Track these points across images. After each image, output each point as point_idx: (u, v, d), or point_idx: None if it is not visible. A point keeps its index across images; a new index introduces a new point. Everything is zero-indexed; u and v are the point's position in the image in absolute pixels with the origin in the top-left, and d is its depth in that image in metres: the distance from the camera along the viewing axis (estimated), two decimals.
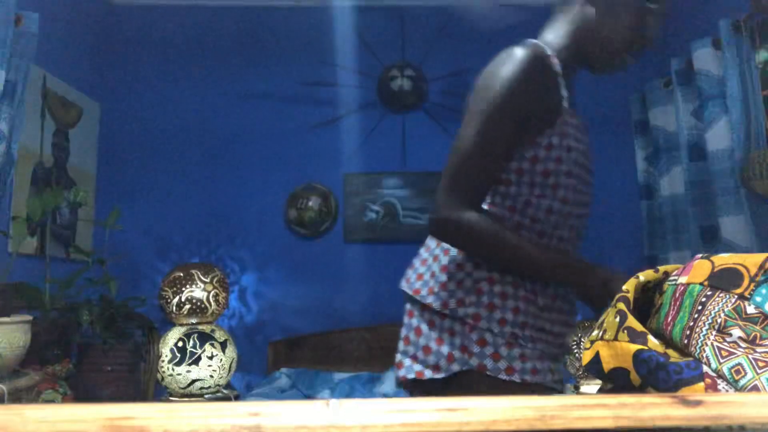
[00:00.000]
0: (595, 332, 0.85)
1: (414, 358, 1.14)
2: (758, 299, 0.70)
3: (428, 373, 1.10)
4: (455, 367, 1.08)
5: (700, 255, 0.82)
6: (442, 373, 1.09)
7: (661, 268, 0.88)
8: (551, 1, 1.28)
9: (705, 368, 0.70)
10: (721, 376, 0.69)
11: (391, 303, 3.48)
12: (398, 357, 1.19)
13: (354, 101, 3.59)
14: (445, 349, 1.10)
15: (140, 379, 2.51)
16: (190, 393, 2.59)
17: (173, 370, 2.56)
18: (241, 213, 3.52)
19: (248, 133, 3.58)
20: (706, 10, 3.04)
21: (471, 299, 1.11)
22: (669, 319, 0.78)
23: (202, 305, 2.63)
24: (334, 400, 0.46)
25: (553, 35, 1.24)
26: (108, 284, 2.53)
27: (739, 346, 0.69)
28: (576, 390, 2.49)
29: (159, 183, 3.51)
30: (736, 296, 0.72)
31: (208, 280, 2.67)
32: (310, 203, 3.49)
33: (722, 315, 0.72)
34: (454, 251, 1.18)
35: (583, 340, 2.63)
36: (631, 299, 0.82)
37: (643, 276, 0.87)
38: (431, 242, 1.27)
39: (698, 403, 0.47)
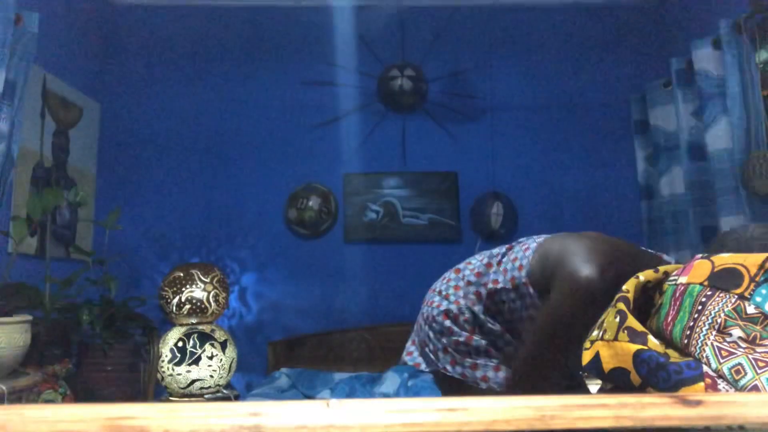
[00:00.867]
0: (595, 332, 0.85)
1: (420, 352, 1.48)
2: (758, 299, 0.70)
3: (423, 366, 1.44)
4: (432, 366, 1.41)
5: (700, 255, 0.82)
6: (428, 368, 1.43)
7: (661, 268, 0.88)
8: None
9: (705, 368, 0.70)
10: (721, 376, 0.69)
11: (391, 303, 3.50)
12: (411, 348, 1.50)
13: (354, 101, 3.59)
14: (426, 351, 1.43)
15: (140, 379, 2.51)
16: (190, 393, 2.59)
17: (173, 370, 2.56)
18: (241, 213, 3.52)
19: (248, 133, 3.58)
20: (706, 10, 3.04)
21: (439, 319, 1.39)
22: (669, 319, 0.78)
23: (202, 305, 2.63)
24: (334, 400, 0.46)
25: None
26: (108, 284, 2.53)
27: (739, 346, 0.69)
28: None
29: (159, 183, 3.51)
30: (736, 296, 0.72)
31: (208, 280, 2.67)
32: (310, 203, 3.49)
33: (722, 315, 0.71)
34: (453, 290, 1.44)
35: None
36: (631, 299, 0.82)
37: (643, 276, 0.87)
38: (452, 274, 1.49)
39: (698, 403, 0.47)
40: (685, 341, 0.74)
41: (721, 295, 0.73)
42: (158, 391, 2.68)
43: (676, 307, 0.77)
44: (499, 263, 1.35)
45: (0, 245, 2.49)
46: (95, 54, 3.48)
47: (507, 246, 1.40)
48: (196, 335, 2.60)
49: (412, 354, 1.47)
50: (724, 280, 0.74)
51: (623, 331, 0.77)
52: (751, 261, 0.74)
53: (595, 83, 3.64)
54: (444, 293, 1.39)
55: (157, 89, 3.58)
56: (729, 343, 0.70)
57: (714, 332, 0.71)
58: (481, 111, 3.62)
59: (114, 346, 2.40)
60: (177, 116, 3.56)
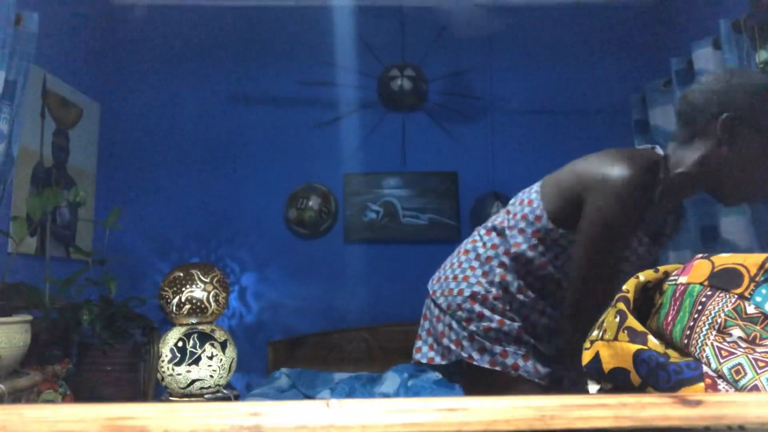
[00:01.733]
0: (595, 332, 0.85)
1: (430, 347, 1.38)
2: (758, 299, 0.70)
3: (437, 359, 1.35)
4: (451, 358, 1.32)
5: (700, 255, 0.82)
6: (446, 360, 1.33)
7: (661, 268, 0.88)
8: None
9: (705, 368, 0.70)
10: (721, 376, 0.69)
11: (391, 303, 3.50)
12: (419, 344, 1.42)
13: (354, 101, 3.59)
14: (445, 342, 1.33)
15: (140, 379, 2.51)
16: (190, 393, 2.59)
17: (173, 370, 2.56)
18: (241, 213, 3.52)
19: (248, 132, 3.58)
20: (706, 10, 3.04)
21: (467, 306, 1.32)
22: (669, 319, 0.78)
23: (202, 305, 2.63)
24: (334, 400, 0.46)
25: (680, 156, 1.29)
26: (108, 284, 2.52)
27: (739, 346, 0.69)
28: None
29: (159, 183, 3.51)
30: (736, 296, 0.72)
31: (208, 280, 2.67)
32: (310, 203, 3.49)
33: (722, 315, 0.72)
34: (466, 263, 1.37)
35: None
36: (631, 299, 0.82)
37: (643, 276, 0.87)
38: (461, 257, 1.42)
39: (698, 403, 0.47)
40: (685, 341, 0.74)
41: (721, 295, 0.73)
42: (158, 391, 2.68)
43: (676, 307, 0.77)
44: (510, 227, 1.32)
45: (0, 245, 2.49)
46: (95, 54, 3.48)
47: (504, 210, 1.38)
48: (196, 335, 2.60)
49: (421, 350, 1.39)
50: (724, 280, 0.74)
51: (623, 331, 0.78)
52: (751, 261, 0.74)
53: (595, 83, 3.64)
54: (461, 277, 1.34)
55: (157, 89, 3.58)
56: (729, 343, 0.70)
57: (714, 332, 0.71)
58: (481, 111, 3.62)
59: (114, 346, 2.40)
60: (177, 116, 3.56)
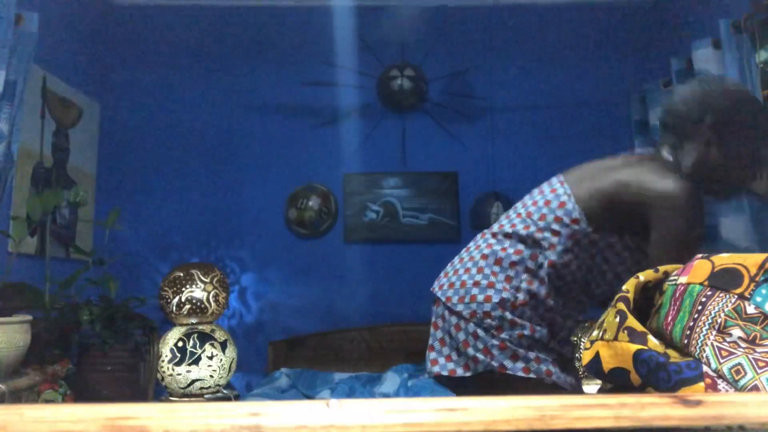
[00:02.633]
0: (595, 332, 0.85)
1: (448, 357, 1.32)
2: (758, 299, 0.70)
3: (459, 371, 1.29)
4: (477, 369, 1.27)
5: (700, 255, 0.82)
6: (470, 371, 1.28)
7: (661, 268, 0.88)
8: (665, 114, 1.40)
9: (705, 368, 0.70)
10: (721, 376, 0.68)
11: (391, 303, 3.50)
12: (433, 355, 1.35)
13: (354, 101, 3.59)
14: (471, 352, 1.27)
15: (140, 379, 2.51)
16: (190, 393, 2.58)
17: (173, 370, 2.56)
18: (241, 213, 3.52)
19: (248, 133, 3.58)
20: (706, 10, 3.04)
21: (497, 313, 1.27)
22: (669, 319, 0.78)
23: (202, 305, 2.63)
24: (334, 400, 0.46)
25: (679, 160, 1.36)
26: (108, 284, 2.52)
27: (739, 346, 0.69)
28: None
29: (159, 183, 3.51)
30: (736, 296, 0.72)
31: (208, 280, 2.67)
32: (310, 203, 3.49)
33: (722, 315, 0.71)
34: (483, 263, 1.34)
35: (583, 340, 2.63)
36: (631, 299, 0.82)
37: (643, 276, 0.87)
38: (469, 253, 1.40)
39: (698, 403, 0.47)
40: (685, 341, 0.74)
41: (721, 295, 0.73)
42: (158, 391, 2.68)
43: (676, 307, 0.77)
44: (540, 229, 1.31)
45: (0, 245, 2.49)
46: (95, 54, 3.48)
47: (516, 214, 1.37)
48: (196, 335, 2.60)
49: (437, 362, 1.32)
50: (724, 280, 0.74)
51: (623, 331, 0.77)
52: (751, 261, 0.74)
53: (595, 83, 3.64)
54: (484, 283, 1.29)
55: (157, 89, 3.58)
56: (729, 343, 0.70)
57: (714, 332, 0.71)
58: (481, 111, 3.62)
59: (114, 346, 2.40)
60: (177, 116, 3.56)
